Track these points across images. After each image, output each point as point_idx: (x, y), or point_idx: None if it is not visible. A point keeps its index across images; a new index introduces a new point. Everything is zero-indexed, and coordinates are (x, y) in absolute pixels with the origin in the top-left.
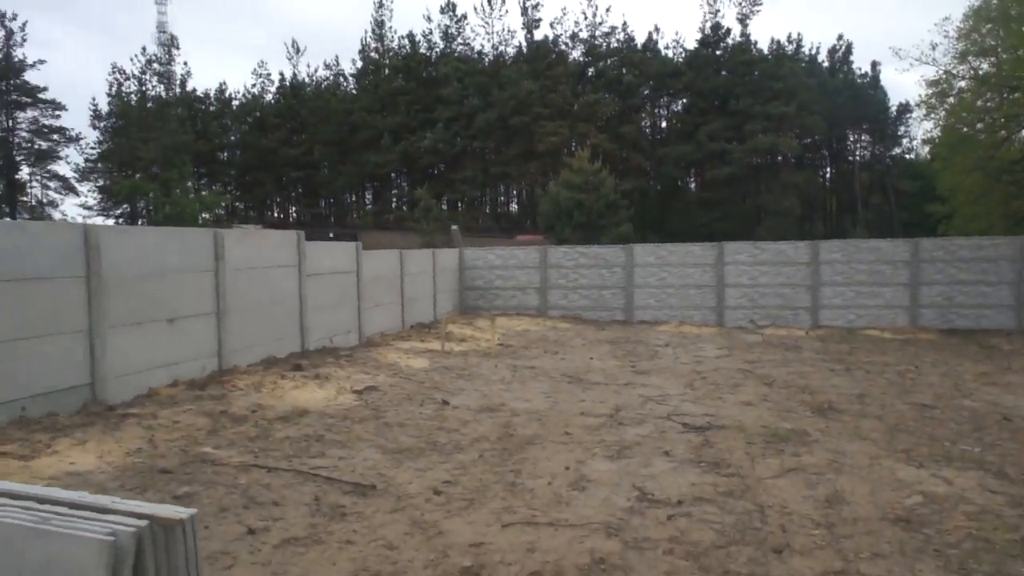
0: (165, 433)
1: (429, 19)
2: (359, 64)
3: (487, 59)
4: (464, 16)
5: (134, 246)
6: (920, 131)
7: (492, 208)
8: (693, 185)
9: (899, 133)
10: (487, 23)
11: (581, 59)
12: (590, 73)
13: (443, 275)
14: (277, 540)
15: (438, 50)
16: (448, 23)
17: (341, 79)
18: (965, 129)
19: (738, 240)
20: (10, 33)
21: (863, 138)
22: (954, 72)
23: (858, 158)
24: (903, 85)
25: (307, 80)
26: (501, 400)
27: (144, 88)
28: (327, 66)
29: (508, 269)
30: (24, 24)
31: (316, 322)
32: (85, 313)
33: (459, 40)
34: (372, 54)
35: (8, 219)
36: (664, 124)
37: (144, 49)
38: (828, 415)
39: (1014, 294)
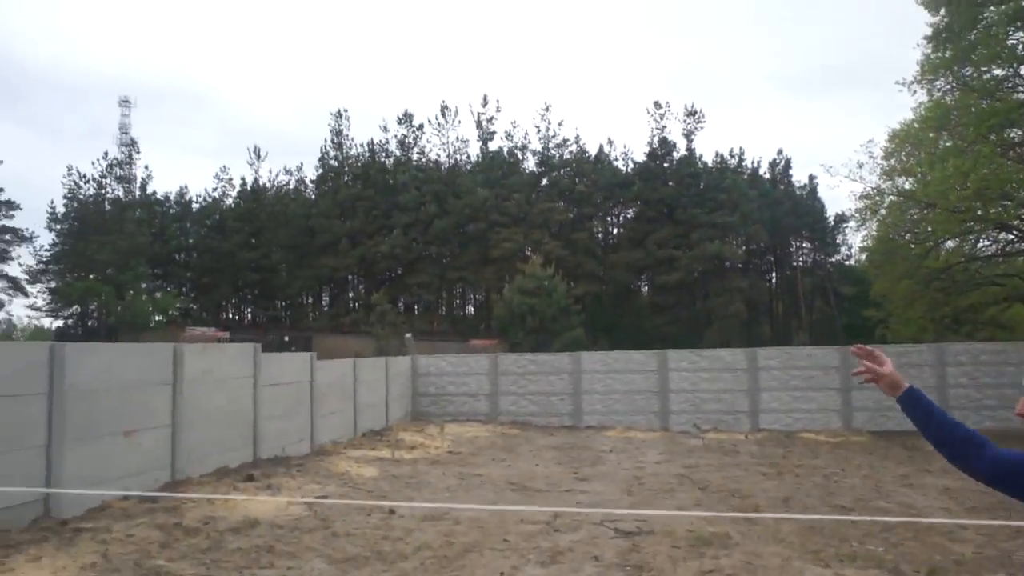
0: (119, 547)
1: (386, 129)
2: (319, 170)
3: (443, 168)
4: (420, 126)
5: (97, 362)
6: (857, 239)
7: (448, 312)
8: (645, 289)
9: (838, 241)
10: (442, 133)
11: (535, 169)
12: (544, 182)
13: (396, 381)
14: None
15: (394, 158)
16: (405, 132)
17: (302, 185)
18: (895, 239)
19: (687, 344)
20: None
21: (804, 245)
22: (883, 188)
23: (800, 264)
24: (839, 196)
25: (268, 185)
26: (446, 509)
27: (103, 191)
28: (287, 171)
29: (460, 376)
30: None
31: (269, 431)
32: (45, 428)
33: (416, 149)
34: (332, 161)
35: None
36: (615, 231)
37: (106, 153)
38: (752, 519)
39: (937, 398)
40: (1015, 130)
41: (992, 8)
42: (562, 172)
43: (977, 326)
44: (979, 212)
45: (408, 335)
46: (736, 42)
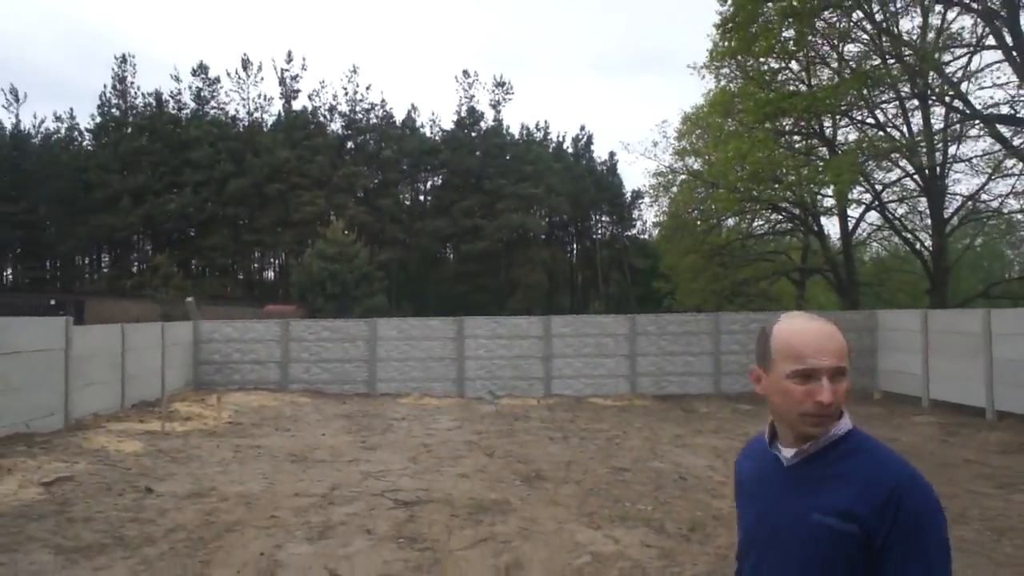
0: None
1: (178, 79)
2: (97, 119)
3: (242, 124)
4: (217, 79)
5: None
6: (651, 215)
7: (246, 276)
8: (451, 257)
9: (633, 216)
10: (241, 88)
11: (340, 131)
12: (349, 146)
13: (174, 349)
14: None
15: (188, 111)
16: (200, 85)
17: (75, 134)
18: (683, 215)
19: (491, 312)
20: None
21: (603, 219)
22: (675, 167)
23: (599, 237)
24: (636, 173)
25: (32, 131)
26: (213, 484)
27: None
28: (58, 118)
29: (247, 343)
30: None
31: (6, 405)
32: None
33: (212, 103)
34: (113, 110)
35: None
36: (422, 199)
37: None
38: (534, 484)
39: (712, 363)
40: (786, 119)
41: (770, 3)
42: (368, 136)
43: (750, 298)
44: (754, 193)
45: (189, 299)
46: (546, 17)
